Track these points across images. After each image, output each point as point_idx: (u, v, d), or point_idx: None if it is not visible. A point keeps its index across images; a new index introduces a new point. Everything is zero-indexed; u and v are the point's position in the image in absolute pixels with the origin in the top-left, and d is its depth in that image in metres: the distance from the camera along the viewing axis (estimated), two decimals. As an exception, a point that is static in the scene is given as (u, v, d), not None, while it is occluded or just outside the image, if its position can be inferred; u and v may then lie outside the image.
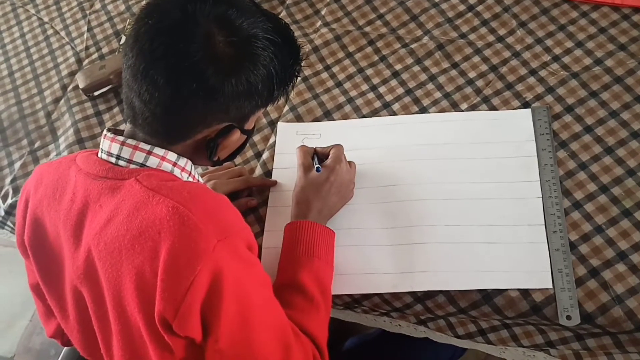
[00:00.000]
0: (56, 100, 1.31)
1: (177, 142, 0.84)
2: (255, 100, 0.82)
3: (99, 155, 0.85)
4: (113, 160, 0.83)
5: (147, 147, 0.82)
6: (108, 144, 0.84)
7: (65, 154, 1.22)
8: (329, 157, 1.01)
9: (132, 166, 0.82)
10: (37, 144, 1.26)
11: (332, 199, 0.99)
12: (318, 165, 0.99)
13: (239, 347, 0.77)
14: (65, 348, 1.14)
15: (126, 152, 0.82)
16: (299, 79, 1.21)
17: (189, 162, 0.87)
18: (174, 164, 0.84)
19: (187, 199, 0.76)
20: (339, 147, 1.02)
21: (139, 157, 0.82)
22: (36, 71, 1.37)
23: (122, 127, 0.87)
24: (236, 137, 0.86)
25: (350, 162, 1.04)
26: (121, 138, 0.83)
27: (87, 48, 1.38)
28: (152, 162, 0.82)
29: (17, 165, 1.24)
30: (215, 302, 0.74)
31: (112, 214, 0.79)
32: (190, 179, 0.87)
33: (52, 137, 1.27)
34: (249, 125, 0.88)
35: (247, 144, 0.94)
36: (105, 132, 0.86)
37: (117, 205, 0.79)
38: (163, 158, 0.83)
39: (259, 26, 0.79)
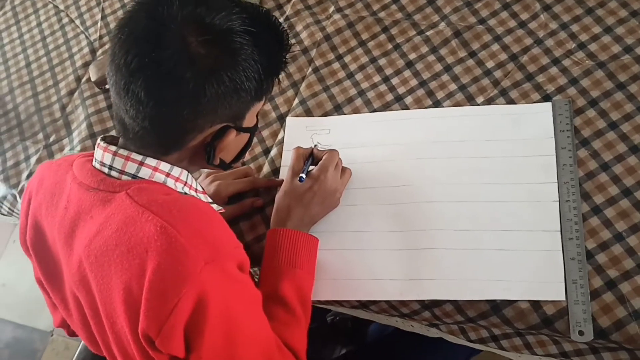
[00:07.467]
0: (70, 93, 1.31)
1: (171, 153, 0.82)
2: (244, 97, 0.79)
3: (93, 163, 0.84)
4: (106, 170, 0.82)
5: (139, 157, 0.81)
6: (101, 154, 0.83)
7: (78, 148, 1.22)
8: (318, 164, 0.98)
9: (124, 177, 0.81)
10: (52, 138, 1.26)
11: (314, 208, 0.96)
12: (302, 175, 0.96)
13: None
14: (82, 343, 1.17)
15: (118, 163, 0.81)
16: (309, 69, 1.17)
17: (184, 172, 0.85)
18: (167, 175, 0.82)
19: (177, 219, 0.74)
20: (331, 154, 0.98)
21: (131, 167, 0.81)
22: (52, 62, 1.37)
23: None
24: (232, 137, 0.83)
25: (345, 169, 1.00)
26: (113, 148, 0.82)
27: (100, 37, 1.36)
28: (144, 173, 0.81)
29: (33, 159, 1.25)
30: (199, 324, 0.73)
31: (101, 226, 0.78)
32: (187, 189, 0.85)
33: (66, 131, 1.26)
34: (248, 123, 0.84)
35: (253, 142, 0.90)
36: (99, 140, 0.84)
37: (106, 218, 0.78)
38: (155, 169, 0.81)
39: (232, 19, 0.75)
